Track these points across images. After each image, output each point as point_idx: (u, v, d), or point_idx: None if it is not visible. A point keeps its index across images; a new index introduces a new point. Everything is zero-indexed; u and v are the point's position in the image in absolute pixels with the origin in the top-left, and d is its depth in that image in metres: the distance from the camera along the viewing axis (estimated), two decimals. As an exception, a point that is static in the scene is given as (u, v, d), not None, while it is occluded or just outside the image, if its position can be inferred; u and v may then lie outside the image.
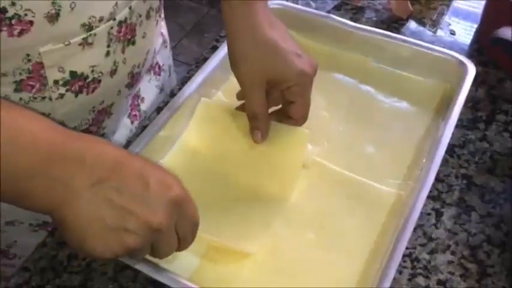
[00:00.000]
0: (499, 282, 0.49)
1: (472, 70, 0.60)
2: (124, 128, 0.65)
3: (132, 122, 0.66)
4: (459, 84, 0.59)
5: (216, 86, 0.63)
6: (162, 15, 0.68)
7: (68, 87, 0.50)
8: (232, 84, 0.63)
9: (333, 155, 0.57)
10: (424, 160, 0.54)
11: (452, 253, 0.51)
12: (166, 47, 0.72)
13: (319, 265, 0.49)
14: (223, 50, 0.62)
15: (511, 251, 0.51)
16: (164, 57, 0.71)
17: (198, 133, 0.57)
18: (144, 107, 0.68)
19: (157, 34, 0.63)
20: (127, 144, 0.61)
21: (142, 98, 0.67)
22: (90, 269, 0.50)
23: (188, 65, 0.71)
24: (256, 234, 0.50)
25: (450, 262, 0.51)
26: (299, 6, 0.68)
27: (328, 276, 0.48)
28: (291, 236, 0.51)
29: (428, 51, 0.63)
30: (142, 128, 0.62)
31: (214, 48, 0.71)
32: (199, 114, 0.58)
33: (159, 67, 0.70)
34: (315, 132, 0.58)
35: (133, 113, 0.66)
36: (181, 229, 0.41)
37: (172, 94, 0.66)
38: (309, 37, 0.67)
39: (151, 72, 0.69)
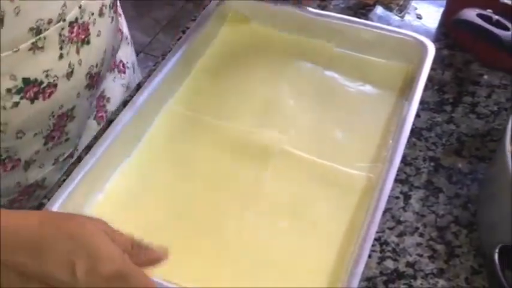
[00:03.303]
0: (467, 262, 0.50)
1: (431, 50, 0.60)
2: (90, 130, 0.63)
3: (99, 124, 0.64)
4: (420, 64, 0.59)
5: (178, 81, 0.62)
6: (119, 11, 0.66)
7: (22, 94, 0.48)
8: (196, 79, 0.63)
9: (301, 142, 0.57)
10: (391, 141, 0.54)
11: (421, 235, 0.51)
12: (128, 43, 0.71)
13: (295, 252, 0.49)
14: (185, 44, 0.62)
15: (478, 230, 0.52)
16: (128, 55, 0.70)
17: (161, 138, 0.57)
18: (110, 107, 0.66)
19: (115, 31, 0.61)
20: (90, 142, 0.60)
21: (108, 98, 0.66)
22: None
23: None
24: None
25: (418, 244, 0.51)
26: None
27: (304, 262, 0.48)
28: (264, 225, 0.51)
29: (389, 34, 0.63)
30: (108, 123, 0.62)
31: (181, 40, 0.70)
32: (162, 122, 0.58)
33: (123, 65, 0.68)
34: (281, 121, 0.59)
35: (100, 114, 0.65)
36: None
37: (139, 87, 0.65)
38: (271, 25, 0.67)
39: (116, 70, 0.67)
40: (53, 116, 0.53)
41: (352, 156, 0.55)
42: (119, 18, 0.66)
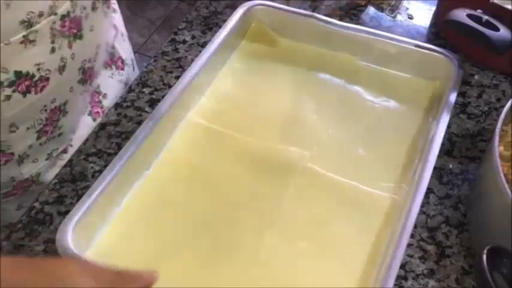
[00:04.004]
0: (457, 263, 0.50)
1: (459, 66, 0.59)
2: (85, 126, 0.63)
3: (94, 120, 0.65)
4: (448, 81, 0.58)
5: (199, 92, 0.61)
6: (114, 7, 0.66)
7: (14, 87, 0.48)
8: (217, 89, 0.62)
9: (323, 159, 0.55)
10: (416, 161, 0.53)
11: (411, 236, 0.51)
12: (124, 40, 0.71)
13: (315, 274, 0.48)
14: (206, 55, 0.60)
15: (468, 231, 0.52)
16: (126, 52, 0.70)
17: (181, 151, 0.56)
18: (107, 103, 0.66)
19: (108, 27, 0.61)
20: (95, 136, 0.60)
21: (105, 94, 0.66)
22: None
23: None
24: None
25: (409, 245, 0.51)
26: (282, 6, 0.67)
27: (324, 285, 0.47)
28: (283, 245, 0.49)
29: (415, 48, 0.61)
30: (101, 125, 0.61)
31: (173, 41, 0.70)
32: (181, 135, 0.57)
33: (122, 61, 0.69)
34: (304, 136, 0.58)
35: (95, 110, 0.65)
36: None
37: (130, 90, 0.65)
38: (294, 37, 0.67)
39: (113, 67, 0.67)
40: (46, 110, 0.54)
41: (375, 175, 0.54)
42: (113, 15, 0.66)
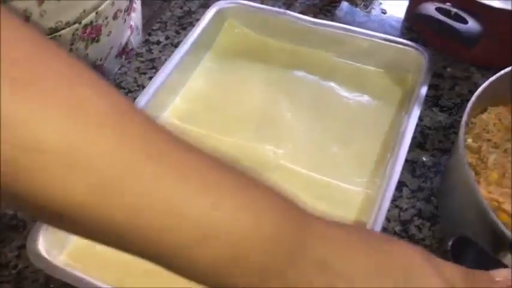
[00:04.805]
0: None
1: (431, 60, 0.59)
2: None
3: None
4: (419, 74, 0.58)
5: (173, 92, 0.61)
6: (135, 6, 0.69)
7: None
8: (190, 89, 0.62)
9: (297, 156, 0.56)
10: (389, 156, 0.54)
11: (384, 230, 0.52)
12: (138, 33, 0.74)
13: None
14: (179, 54, 0.61)
15: (441, 223, 0.52)
16: (137, 43, 0.73)
17: None
18: None
19: (125, 29, 0.64)
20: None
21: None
22: (21, 277, 0.49)
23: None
24: None
25: (382, 239, 0.51)
26: (255, 4, 0.67)
27: None
28: None
29: (387, 43, 0.62)
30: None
31: (147, 42, 0.70)
32: None
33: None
34: (278, 134, 0.58)
35: None
36: None
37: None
38: (268, 35, 0.67)
39: (123, 57, 0.70)
40: None
41: (349, 171, 0.54)
42: (133, 14, 0.69)
